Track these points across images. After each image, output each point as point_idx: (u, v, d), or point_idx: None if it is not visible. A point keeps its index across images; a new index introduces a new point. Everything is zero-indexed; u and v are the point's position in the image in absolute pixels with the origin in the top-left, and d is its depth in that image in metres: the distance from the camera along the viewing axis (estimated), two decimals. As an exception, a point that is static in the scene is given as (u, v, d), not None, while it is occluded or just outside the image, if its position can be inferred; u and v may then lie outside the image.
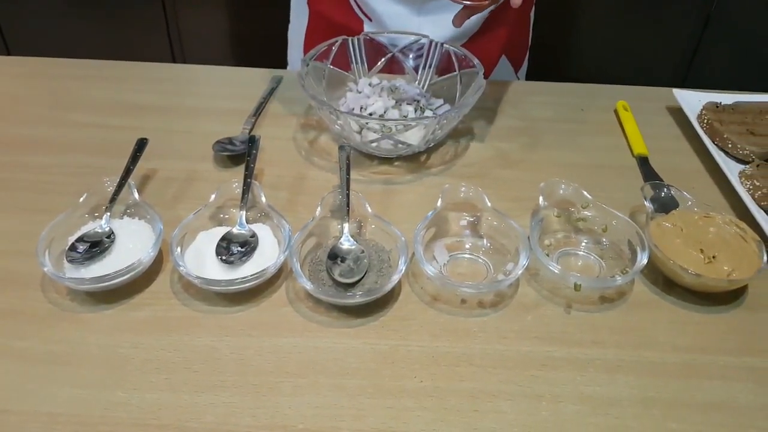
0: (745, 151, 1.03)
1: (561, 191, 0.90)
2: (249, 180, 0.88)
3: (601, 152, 1.08)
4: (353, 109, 1.07)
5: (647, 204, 0.88)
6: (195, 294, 0.78)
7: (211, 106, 1.16)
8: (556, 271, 0.79)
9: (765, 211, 0.91)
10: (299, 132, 1.09)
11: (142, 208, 0.85)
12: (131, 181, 0.88)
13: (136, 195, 0.87)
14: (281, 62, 1.44)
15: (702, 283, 0.78)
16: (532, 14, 1.34)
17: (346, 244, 0.82)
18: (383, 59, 1.16)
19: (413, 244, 0.80)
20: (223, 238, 0.82)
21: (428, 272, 0.78)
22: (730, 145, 1.04)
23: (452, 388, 0.69)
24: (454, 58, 1.11)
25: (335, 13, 1.26)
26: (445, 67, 1.13)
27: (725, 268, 0.79)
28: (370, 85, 1.12)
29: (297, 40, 1.36)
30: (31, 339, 0.73)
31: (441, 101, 1.11)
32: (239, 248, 0.81)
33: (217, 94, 1.21)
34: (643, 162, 1.04)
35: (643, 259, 0.79)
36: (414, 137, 0.99)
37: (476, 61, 1.07)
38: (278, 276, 0.81)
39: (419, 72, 1.16)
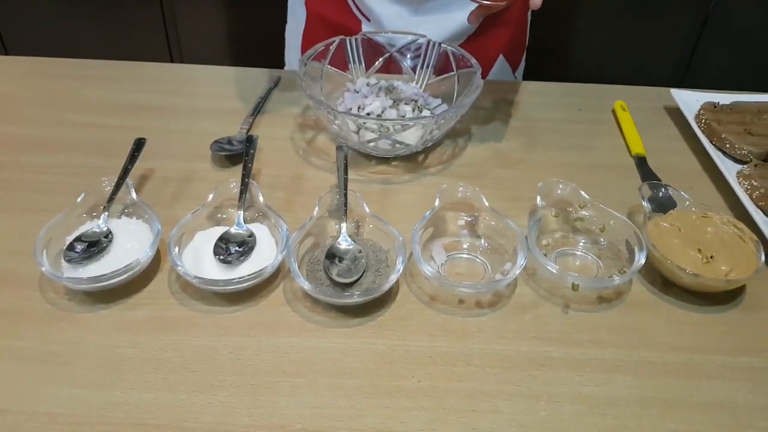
0: (743, 151, 1.03)
1: (559, 191, 0.90)
2: (247, 180, 0.88)
3: (599, 152, 1.08)
4: (351, 108, 1.07)
5: (645, 204, 0.88)
6: (193, 294, 0.78)
7: (208, 105, 1.16)
8: (553, 271, 0.79)
9: (763, 211, 0.91)
10: (297, 132, 1.09)
11: (140, 208, 0.85)
12: (129, 180, 0.88)
13: (134, 195, 0.87)
14: (279, 62, 1.44)
15: (700, 283, 0.78)
16: (529, 14, 1.34)
17: (344, 243, 0.82)
18: (381, 59, 1.16)
19: (411, 243, 0.80)
20: (220, 238, 0.82)
21: (426, 272, 0.78)
22: (728, 145, 1.04)
23: (450, 388, 0.69)
24: (451, 58, 1.11)
25: (333, 13, 1.26)
26: (442, 67, 1.13)
27: (723, 268, 0.79)
28: (367, 84, 1.12)
29: (294, 41, 1.36)
30: (29, 339, 0.72)
31: (439, 101, 1.11)
32: (237, 248, 0.81)
33: (214, 93, 1.21)
34: (641, 162, 1.04)
35: (640, 259, 0.80)
36: (412, 137, 0.99)
37: (474, 60, 1.07)
38: (276, 276, 0.81)
39: (417, 72, 1.16)
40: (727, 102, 1.14)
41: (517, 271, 0.78)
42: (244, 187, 0.87)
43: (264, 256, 0.81)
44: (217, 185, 0.88)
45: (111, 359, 0.71)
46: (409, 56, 1.17)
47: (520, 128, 1.13)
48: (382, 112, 1.05)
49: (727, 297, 0.81)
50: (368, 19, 1.25)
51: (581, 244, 0.87)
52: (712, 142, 1.06)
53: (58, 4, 2.28)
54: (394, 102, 1.08)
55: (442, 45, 1.13)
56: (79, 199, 0.84)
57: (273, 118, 1.13)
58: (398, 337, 0.74)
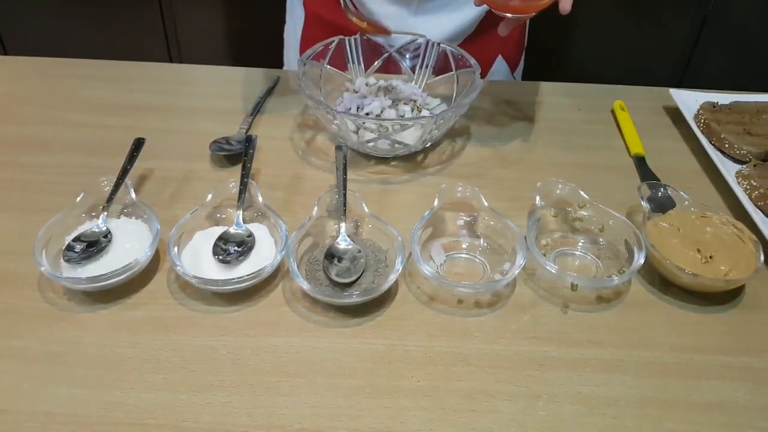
0: (742, 151, 1.03)
1: (558, 191, 0.90)
2: (246, 180, 0.88)
3: (598, 152, 1.08)
4: (350, 108, 1.07)
5: (644, 204, 0.88)
6: (192, 294, 0.78)
7: (208, 105, 1.16)
8: (553, 271, 0.79)
9: (762, 211, 0.91)
10: (296, 132, 1.09)
11: (139, 208, 0.85)
12: (128, 180, 0.88)
13: (133, 195, 0.87)
14: (278, 62, 1.44)
15: (699, 283, 0.78)
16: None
17: (343, 243, 0.82)
18: (380, 59, 1.16)
19: (410, 243, 0.80)
20: (220, 238, 0.82)
21: (425, 272, 0.78)
22: (727, 145, 1.04)
23: (449, 388, 0.69)
24: (450, 58, 1.11)
25: (331, 13, 1.26)
26: (441, 66, 1.13)
27: (722, 268, 0.79)
28: (366, 84, 1.12)
29: (293, 41, 1.36)
30: (29, 339, 0.72)
31: (438, 101, 1.11)
32: (236, 248, 0.81)
33: (214, 93, 1.21)
34: (640, 162, 1.04)
35: (640, 259, 0.80)
36: (411, 137, 0.99)
37: (473, 60, 1.07)
38: (275, 276, 0.81)
39: (416, 72, 1.16)
40: (727, 102, 1.15)
41: (516, 271, 0.78)
42: (243, 187, 0.87)
43: (263, 256, 0.81)
44: (216, 185, 0.88)
45: (110, 359, 0.71)
46: (408, 56, 1.17)
47: (519, 128, 1.13)
48: (381, 112, 1.05)
49: (726, 297, 0.81)
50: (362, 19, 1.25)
51: (580, 244, 0.87)
52: (711, 142, 1.06)
53: (58, 4, 2.28)
54: (393, 102, 1.08)
55: (441, 45, 1.13)
56: (78, 199, 0.84)
57: (272, 118, 1.13)
58: (397, 337, 0.74)
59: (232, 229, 0.83)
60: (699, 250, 0.81)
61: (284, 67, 1.42)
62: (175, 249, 0.79)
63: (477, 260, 0.84)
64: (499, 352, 0.73)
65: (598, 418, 0.67)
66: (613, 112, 1.18)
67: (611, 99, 1.20)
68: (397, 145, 0.99)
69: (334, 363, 0.71)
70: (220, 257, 0.80)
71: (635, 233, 0.83)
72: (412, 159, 1.03)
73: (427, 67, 1.15)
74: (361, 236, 0.86)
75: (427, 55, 1.15)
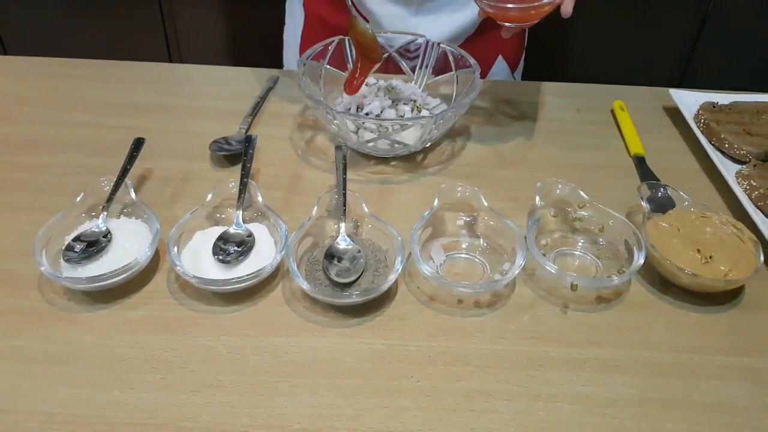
0: (742, 151, 1.03)
1: (558, 191, 0.90)
2: (245, 180, 0.88)
3: (598, 152, 1.08)
4: (350, 108, 1.07)
5: (644, 204, 0.88)
6: (192, 294, 0.78)
7: (207, 105, 1.16)
8: (552, 271, 0.79)
9: (762, 211, 0.91)
10: (296, 132, 1.09)
11: (138, 208, 0.85)
12: (128, 180, 0.88)
13: (133, 194, 0.87)
14: (278, 62, 1.44)
15: (699, 283, 0.78)
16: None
17: (343, 243, 0.82)
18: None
19: (410, 243, 0.80)
20: (219, 238, 0.82)
21: (425, 272, 0.78)
22: (726, 145, 1.04)
23: (449, 388, 0.69)
24: (450, 58, 1.11)
25: (331, 14, 1.26)
26: (441, 67, 1.13)
27: (722, 268, 0.79)
28: (366, 84, 1.12)
29: (293, 42, 1.36)
30: (28, 338, 0.72)
31: (438, 101, 1.11)
32: (236, 248, 0.81)
33: (213, 93, 1.21)
34: (640, 162, 1.04)
35: (639, 259, 0.80)
36: (410, 137, 0.99)
37: (473, 60, 1.07)
38: (275, 276, 0.81)
39: (416, 72, 1.16)
40: (726, 102, 1.15)
41: (516, 271, 0.78)
42: (243, 186, 0.87)
43: (263, 256, 0.81)
44: (216, 185, 0.88)
45: (110, 359, 0.71)
46: (408, 56, 1.17)
47: (519, 128, 1.13)
48: (381, 112, 1.05)
49: (726, 297, 0.81)
50: (367, 20, 1.25)
51: (580, 244, 0.87)
52: (711, 142, 1.06)
53: (58, 4, 2.28)
54: (393, 102, 1.08)
55: (441, 45, 1.13)
56: (78, 199, 0.84)
57: (272, 118, 1.13)
58: (397, 337, 0.74)
59: (232, 229, 0.83)
60: (699, 251, 0.81)
61: (284, 68, 1.42)
62: (175, 249, 0.79)
63: (477, 260, 0.84)
64: (498, 352, 0.73)
65: (597, 418, 0.67)
66: (612, 112, 1.18)
67: (611, 99, 1.20)
68: (396, 145, 0.99)
69: (333, 363, 0.71)
70: (220, 257, 0.80)
71: (635, 233, 0.83)
72: (412, 159, 1.03)
73: (427, 67, 1.15)
74: (360, 236, 0.86)
75: (427, 55, 1.15)
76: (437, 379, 0.70)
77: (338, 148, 0.94)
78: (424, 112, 1.08)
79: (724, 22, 2.22)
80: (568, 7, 0.92)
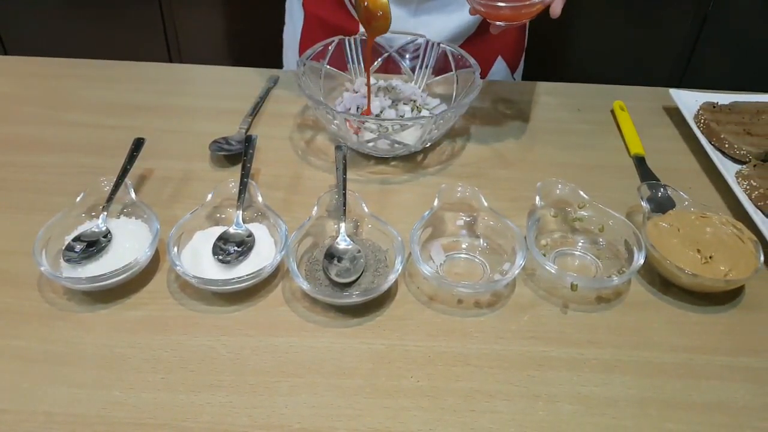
0: (742, 151, 1.03)
1: (558, 191, 0.90)
2: (245, 180, 0.88)
3: (598, 152, 1.08)
4: (350, 108, 1.07)
5: (644, 204, 0.88)
6: (192, 294, 0.78)
7: (207, 105, 1.16)
8: (552, 271, 0.79)
9: (762, 211, 0.91)
10: (296, 132, 1.09)
11: (138, 208, 0.85)
12: (128, 180, 0.88)
13: (133, 195, 0.87)
14: (278, 62, 1.44)
15: (699, 283, 0.78)
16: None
17: (343, 243, 0.82)
18: (380, 59, 1.16)
19: (410, 243, 0.80)
20: (219, 238, 0.82)
21: (425, 272, 0.78)
22: (726, 145, 1.04)
23: (449, 388, 0.69)
24: (450, 58, 1.11)
25: (330, 14, 1.26)
26: (441, 67, 1.13)
27: (722, 268, 0.79)
28: (366, 85, 1.12)
29: (292, 42, 1.36)
30: (28, 338, 0.72)
31: (438, 101, 1.11)
32: (236, 248, 0.81)
33: (213, 93, 1.21)
34: (640, 162, 1.04)
35: (639, 259, 0.80)
36: (410, 137, 0.99)
37: (473, 60, 1.07)
38: (275, 276, 0.81)
39: (416, 72, 1.16)
40: (726, 102, 1.15)
41: (516, 271, 0.78)
42: (243, 186, 0.87)
43: (263, 256, 0.81)
44: (216, 185, 0.88)
45: (110, 359, 0.71)
46: (408, 56, 1.17)
47: (519, 128, 1.13)
48: (381, 112, 1.05)
49: (726, 297, 0.81)
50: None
51: (580, 244, 0.87)
52: (711, 143, 1.06)
53: (58, 4, 2.28)
54: (393, 102, 1.08)
55: (441, 45, 1.13)
56: (78, 199, 0.84)
57: (272, 118, 1.13)
58: (397, 337, 0.74)
59: (232, 229, 0.83)
60: (699, 251, 0.81)
61: (284, 68, 1.42)
62: (175, 249, 0.79)
63: (477, 260, 0.84)
64: (498, 352, 0.73)
65: (597, 418, 0.67)
66: (612, 112, 1.18)
67: (611, 99, 1.20)
68: (396, 145, 0.99)
69: (333, 363, 0.71)
70: (220, 257, 0.80)
71: (635, 233, 0.83)
72: (412, 159, 1.03)
73: (427, 67, 1.15)
74: (360, 236, 0.86)
75: (427, 55, 1.15)
76: (437, 379, 0.70)
77: (338, 148, 0.94)
78: (424, 112, 1.08)
79: (724, 22, 2.22)
80: (557, 7, 0.93)
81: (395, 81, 1.14)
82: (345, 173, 0.89)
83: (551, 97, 1.23)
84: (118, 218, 0.85)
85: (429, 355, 0.73)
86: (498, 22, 0.96)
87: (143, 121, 1.09)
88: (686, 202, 0.89)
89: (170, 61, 2.39)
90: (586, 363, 0.72)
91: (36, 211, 0.89)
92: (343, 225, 0.83)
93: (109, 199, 0.85)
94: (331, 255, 0.81)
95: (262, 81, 1.22)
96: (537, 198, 0.88)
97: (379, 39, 1.15)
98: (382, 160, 1.03)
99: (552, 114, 1.17)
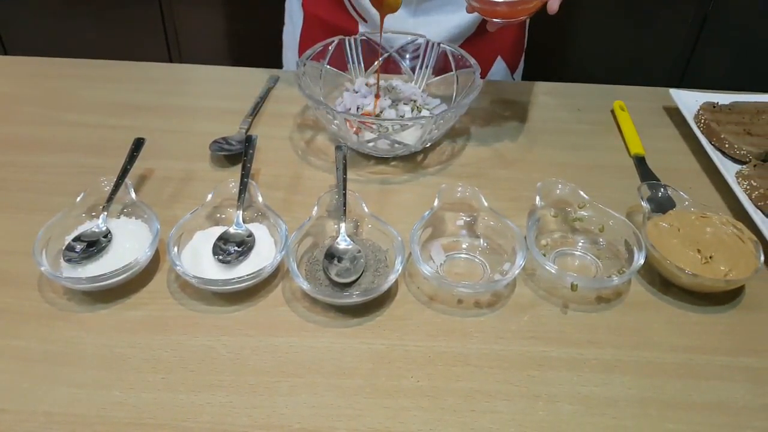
0: (742, 152, 1.03)
1: (558, 191, 0.90)
2: (246, 180, 0.88)
3: (598, 152, 1.08)
4: (350, 109, 1.07)
5: (644, 204, 0.88)
6: (192, 294, 0.78)
7: (207, 105, 1.16)
8: (552, 271, 0.79)
9: (762, 211, 0.91)
10: (296, 132, 1.09)
11: (139, 208, 0.85)
12: (128, 180, 0.88)
13: (133, 195, 0.87)
14: (278, 62, 1.44)
15: (699, 283, 0.78)
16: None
17: (343, 243, 0.82)
18: (380, 59, 1.16)
19: (410, 243, 0.80)
20: (219, 238, 0.82)
21: (425, 272, 0.78)
22: (727, 145, 1.04)
23: (449, 388, 0.69)
24: (450, 58, 1.11)
25: (330, 14, 1.26)
26: (441, 67, 1.13)
27: (722, 268, 0.79)
28: (366, 84, 1.12)
29: (292, 43, 1.36)
30: (28, 338, 0.72)
31: (438, 101, 1.11)
32: (236, 248, 0.81)
33: (213, 93, 1.21)
34: (640, 162, 1.04)
35: (639, 259, 0.80)
36: (411, 137, 0.99)
37: (473, 60, 1.07)
38: (275, 276, 0.81)
39: (416, 72, 1.16)
40: (726, 102, 1.15)
41: (516, 271, 0.78)
42: (243, 186, 0.87)
43: (263, 256, 0.81)
44: (216, 185, 0.88)
45: (110, 359, 0.71)
46: (408, 56, 1.17)
47: (519, 128, 1.13)
48: (381, 112, 1.05)
49: (726, 297, 0.81)
50: (365, 21, 1.25)
51: (580, 244, 0.87)
52: (711, 143, 1.06)
53: (58, 4, 2.28)
54: (393, 102, 1.08)
55: (441, 45, 1.13)
56: (78, 199, 0.84)
57: (272, 118, 1.13)
58: (397, 337, 0.74)
59: (232, 229, 0.83)
60: (699, 251, 0.81)
61: (284, 68, 1.42)
62: (175, 249, 0.79)
63: (477, 260, 0.84)
64: (498, 352, 0.73)
65: (597, 418, 0.67)
66: (612, 112, 1.18)
67: (611, 99, 1.20)
68: (396, 145, 0.99)
69: (333, 363, 0.71)
70: (220, 257, 0.80)
71: (635, 233, 0.83)
72: (412, 159, 1.03)
73: (427, 67, 1.15)
74: (360, 236, 0.86)
75: (427, 55, 1.15)
76: (437, 379, 0.70)
77: (338, 148, 0.94)
78: (424, 112, 1.08)
79: (724, 22, 2.22)
80: (554, 4, 0.93)
81: (395, 81, 1.14)
82: (345, 173, 0.89)
83: (551, 97, 1.23)
84: (119, 218, 0.85)
85: (429, 355, 0.73)
86: (495, 19, 0.96)
87: (143, 121, 1.09)
88: (686, 202, 0.89)
89: (170, 61, 2.39)
90: (586, 363, 0.72)
91: (36, 211, 0.89)
92: (343, 225, 0.83)
93: (110, 199, 0.85)
94: (332, 255, 0.81)
95: (262, 81, 1.22)
96: (537, 198, 0.88)
97: (379, 39, 1.15)
98: (382, 160, 1.03)
99: (552, 114, 1.18)
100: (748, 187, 0.94)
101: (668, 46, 2.29)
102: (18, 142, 1.04)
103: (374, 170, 1.01)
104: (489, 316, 0.78)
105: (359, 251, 0.81)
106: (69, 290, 0.78)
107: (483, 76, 1.23)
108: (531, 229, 0.84)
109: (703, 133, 1.07)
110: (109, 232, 0.82)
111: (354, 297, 0.76)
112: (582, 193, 0.89)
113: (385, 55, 1.16)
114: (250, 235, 0.83)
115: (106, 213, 0.83)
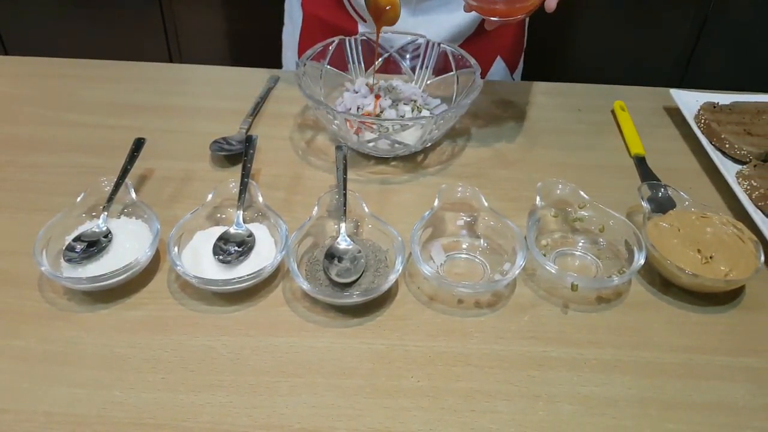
0: (743, 152, 1.03)
1: (558, 191, 0.90)
2: (246, 180, 0.88)
3: (599, 152, 1.08)
4: (350, 109, 1.07)
5: (644, 204, 0.88)
6: (192, 294, 0.78)
7: (208, 105, 1.16)
8: (553, 271, 0.79)
9: (762, 212, 0.91)
10: (296, 132, 1.09)
11: (139, 208, 0.85)
12: (128, 180, 0.88)
13: (134, 195, 0.87)
14: (278, 62, 1.44)
15: (699, 283, 0.78)
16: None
17: (343, 243, 0.82)
18: (380, 59, 1.16)
19: (410, 243, 0.80)
20: (220, 238, 0.82)
21: (425, 272, 0.78)
22: (727, 146, 1.04)
23: (449, 388, 0.69)
24: (450, 58, 1.11)
25: (330, 14, 1.26)
26: (441, 67, 1.13)
27: (722, 268, 0.79)
28: (367, 85, 1.12)
29: (292, 43, 1.36)
30: (28, 338, 0.72)
31: (438, 101, 1.11)
32: (236, 248, 0.81)
33: (214, 93, 1.21)
34: (641, 162, 1.04)
35: (640, 259, 0.80)
36: (411, 137, 0.99)
37: (473, 61, 1.07)
38: (275, 276, 0.81)
39: (416, 72, 1.16)
40: (727, 102, 1.14)
41: (516, 271, 0.78)
42: (244, 187, 0.87)
43: (263, 256, 0.81)
44: (217, 185, 0.88)
45: (110, 359, 0.71)
46: (408, 56, 1.17)
47: (520, 128, 1.13)
48: (381, 112, 1.05)
49: (726, 297, 0.81)
50: (365, 20, 1.25)
51: (580, 244, 0.87)
52: (711, 143, 1.06)
53: (58, 4, 2.28)
54: (393, 102, 1.08)
55: (442, 45, 1.13)
56: (78, 199, 0.84)
57: (272, 118, 1.13)
58: (397, 337, 0.74)
59: (232, 229, 0.83)
60: (699, 251, 0.81)
61: (284, 68, 1.42)
62: (175, 249, 0.79)
63: (477, 260, 0.84)
64: (498, 352, 0.73)
65: (597, 418, 0.67)
66: (613, 112, 1.18)
67: (611, 99, 1.20)
68: (397, 146, 0.99)
69: (333, 363, 0.71)
70: (220, 257, 0.80)
71: (635, 233, 0.83)
72: (412, 159, 1.03)
73: (427, 67, 1.15)
74: (361, 236, 0.86)
75: (427, 55, 1.15)
76: (437, 379, 0.70)
77: (338, 148, 0.94)
78: (425, 112, 1.08)
79: (724, 22, 2.22)
80: (552, 2, 0.93)
81: (395, 81, 1.14)
82: (345, 173, 0.89)
83: (551, 98, 1.23)
84: (119, 218, 0.85)
85: (429, 355, 0.73)
86: (493, 18, 0.96)
87: (143, 121, 1.09)
88: (687, 202, 0.89)
89: (170, 61, 2.39)
90: (586, 363, 0.72)
91: (36, 211, 0.89)
92: (343, 225, 0.83)
93: (110, 199, 0.85)
94: (332, 255, 0.81)
95: (262, 81, 1.22)
96: (537, 198, 0.88)
97: (379, 39, 1.15)
98: (383, 160, 1.03)
99: (552, 114, 1.17)
100: (748, 187, 0.94)
101: (668, 46, 2.29)
102: (18, 142, 1.04)
103: (374, 170, 1.01)
104: (489, 316, 0.78)
105: (359, 251, 0.81)
106: (69, 290, 0.78)
107: (482, 76, 1.23)
108: (531, 229, 0.84)
109: (703, 133, 1.07)
110: (110, 232, 0.82)
111: (354, 297, 0.76)
112: (582, 193, 0.89)
113: (385, 55, 1.16)
114: (251, 235, 0.83)
115: (106, 213, 0.83)
